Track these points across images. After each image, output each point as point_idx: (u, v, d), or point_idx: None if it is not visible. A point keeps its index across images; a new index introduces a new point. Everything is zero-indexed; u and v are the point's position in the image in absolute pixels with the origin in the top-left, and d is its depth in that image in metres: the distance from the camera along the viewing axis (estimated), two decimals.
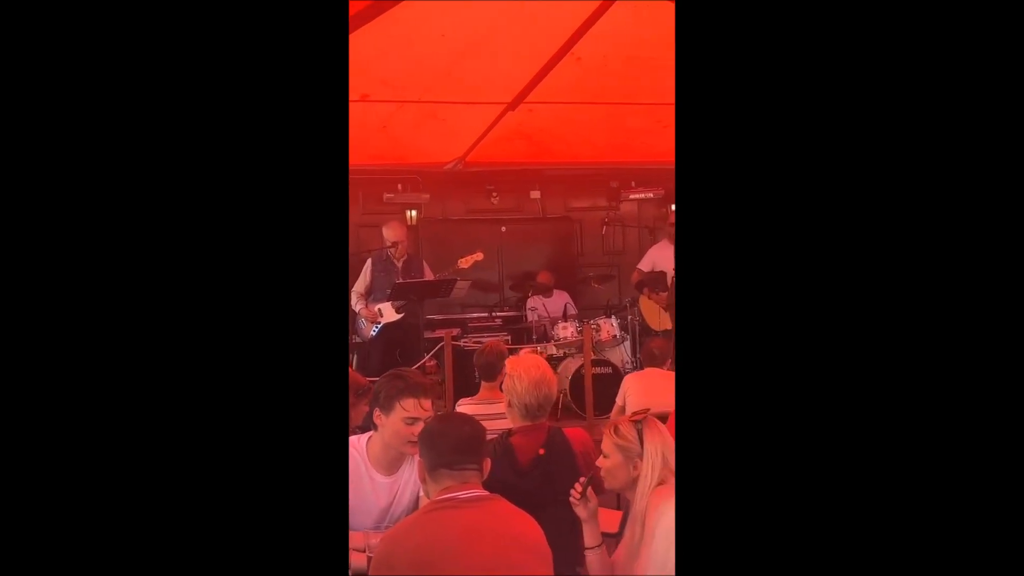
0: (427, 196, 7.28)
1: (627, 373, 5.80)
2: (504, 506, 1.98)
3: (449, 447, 1.99)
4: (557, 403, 6.50)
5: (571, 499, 2.29)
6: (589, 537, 2.31)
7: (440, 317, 7.06)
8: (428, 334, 6.25)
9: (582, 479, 2.32)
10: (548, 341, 6.78)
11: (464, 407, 4.12)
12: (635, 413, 2.30)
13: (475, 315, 6.99)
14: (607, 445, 2.28)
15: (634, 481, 2.19)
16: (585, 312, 7.19)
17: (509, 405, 2.85)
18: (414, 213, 7.44)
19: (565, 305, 6.96)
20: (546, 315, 7.09)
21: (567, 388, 6.31)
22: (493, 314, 6.96)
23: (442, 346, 5.71)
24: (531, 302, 7.13)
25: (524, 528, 1.94)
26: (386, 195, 7.07)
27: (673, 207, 7.60)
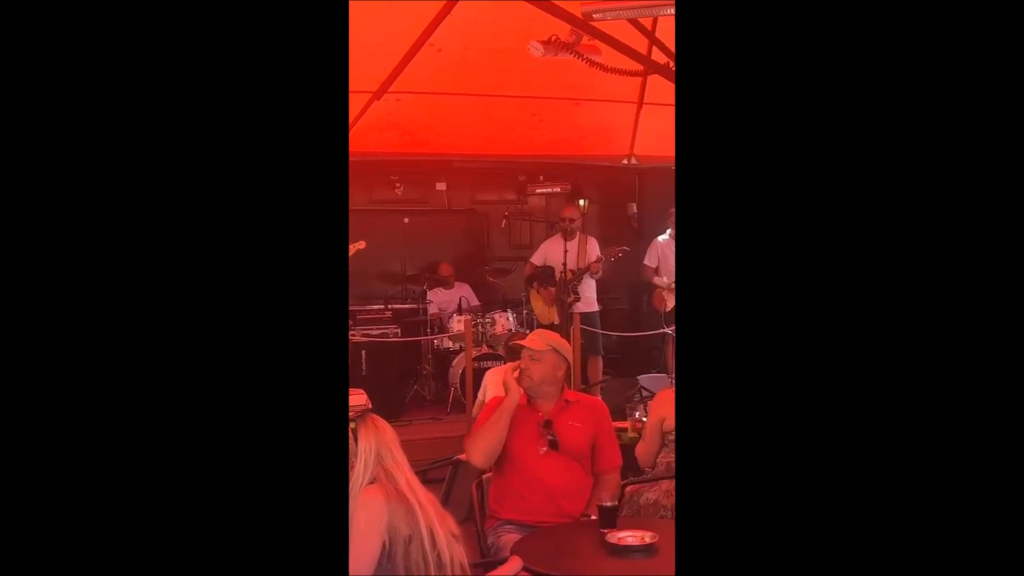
0: None
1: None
2: None
3: None
4: (448, 396, 6.50)
5: None
6: None
7: None
8: None
9: None
10: (443, 333, 6.77)
11: None
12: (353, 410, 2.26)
13: (370, 307, 6.94)
14: None
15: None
16: (489, 306, 7.17)
17: None
18: None
19: (460, 298, 6.93)
20: (445, 308, 7.06)
21: (457, 383, 6.31)
22: (387, 306, 6.92)
23: None
24: (431, 295, 7.10)
25: None
26: None
27: (582, 202, 7.59)
